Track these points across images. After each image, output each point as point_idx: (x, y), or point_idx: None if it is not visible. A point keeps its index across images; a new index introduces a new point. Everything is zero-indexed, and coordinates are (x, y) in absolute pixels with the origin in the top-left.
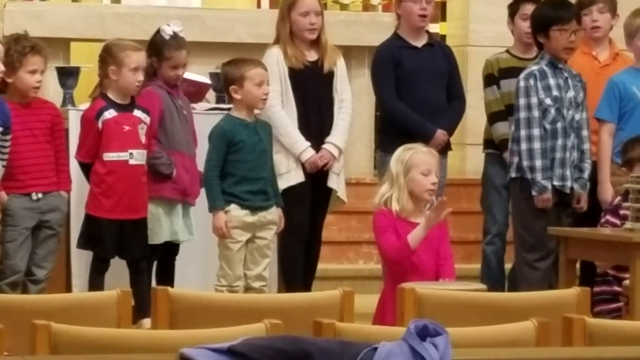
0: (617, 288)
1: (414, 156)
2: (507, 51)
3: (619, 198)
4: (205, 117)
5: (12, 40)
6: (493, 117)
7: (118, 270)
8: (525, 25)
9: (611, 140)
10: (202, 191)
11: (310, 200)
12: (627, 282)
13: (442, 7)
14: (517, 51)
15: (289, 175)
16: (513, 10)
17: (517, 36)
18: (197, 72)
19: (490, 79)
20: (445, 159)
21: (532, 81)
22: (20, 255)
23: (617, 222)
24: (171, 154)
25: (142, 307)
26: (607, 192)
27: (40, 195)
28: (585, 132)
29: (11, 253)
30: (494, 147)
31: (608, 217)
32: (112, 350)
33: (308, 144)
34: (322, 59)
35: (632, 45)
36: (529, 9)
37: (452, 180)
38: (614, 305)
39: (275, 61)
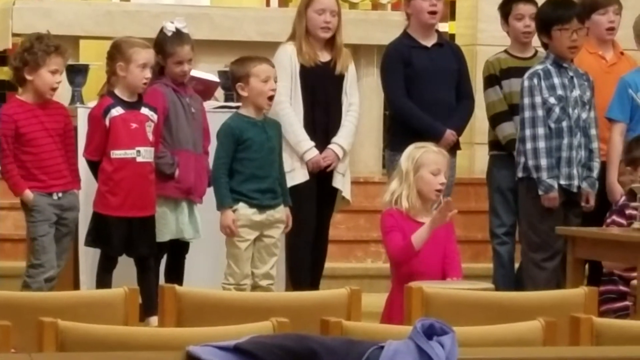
0: (622, 288)
1: (425, 155)
2: (506, 51)
3: (624, 198)
4: (213, 115)
5: (35, 39)
6: (498, 118)
7: (126, 267)
8: (520, 25)
9: (622, 140)
10: (210, 190)
11: (317, 199)
12: (635, 282)
13: (452, 6)
14: (515, 51)
15: (294, 174)
16: (505, 12)
17: (513, 36)
18: (206, 70)
19: (492, 80)
20: (455, 158)
21: (535, 80)
22: (53, 249)
23: (624, 222)
24: (175, 153)
25: (149, 305)
26: (616, 193)
27: (60, 194)
28: (593, 131)
29: (47, 246)
30: (499, 148)
31: (614, 217)
32: (119, 348)
33: (312, 143)
34: (334, 60)
35: None
36: (521, 8)
37: (460, 180)
38: (619, 304)
39: (288, 57)
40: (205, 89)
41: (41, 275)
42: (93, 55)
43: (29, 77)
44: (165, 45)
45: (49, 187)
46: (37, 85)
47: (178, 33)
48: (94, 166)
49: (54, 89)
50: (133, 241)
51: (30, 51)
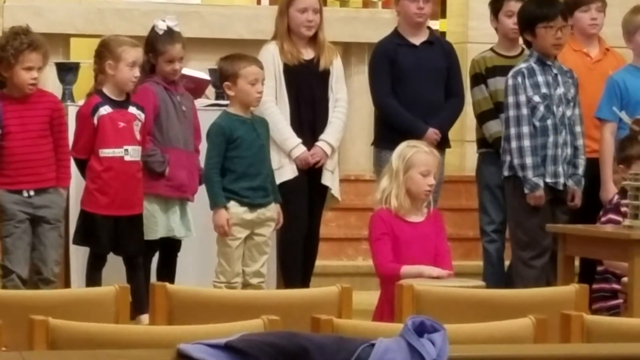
0: (615, 285)
1: (415, 155)
2: (492, 49)
3: (617, 196)
4: (204, 113)
5: (10, 35)
6: (484, 116)
7: (116, 266)
8: (510, 22)
9: (613, 140)
10: (201, 188)
11: (308, 195)
12: (625, 279)
13: (442, 4)
14: (502, 49)
15: (282, 171)
16: (496, 8)
17: (501, 33)
18: (197, 68)
19: (478, 79)
20: (443, 156)
21: (519, 79)
22: (22, 250)
23: (620, 219)
24: (166, 151)
25: (139, 303)
26: (610, 192)
27: (32, 192)
28: (578, 128)
29: (10, 247)
30: (487, 145)
31: (610, 215)
32: (110, 346)
33: (299, 140)
34: (318, 57)
35: (632, 42)
36: (512, 5)
37: (450, 177)
38: (612, 303)
39: (271, 57)
40: (196, 87)
41: (11, 275)
42: (84, 53)
43: (5, 74)
44: (156, 43)
45: (17, 183)
46: (14, 82)
47: (169, 31)
48: (82, 164)
49: (31, 85)
50: (120, 240)
51: (4, 48)
